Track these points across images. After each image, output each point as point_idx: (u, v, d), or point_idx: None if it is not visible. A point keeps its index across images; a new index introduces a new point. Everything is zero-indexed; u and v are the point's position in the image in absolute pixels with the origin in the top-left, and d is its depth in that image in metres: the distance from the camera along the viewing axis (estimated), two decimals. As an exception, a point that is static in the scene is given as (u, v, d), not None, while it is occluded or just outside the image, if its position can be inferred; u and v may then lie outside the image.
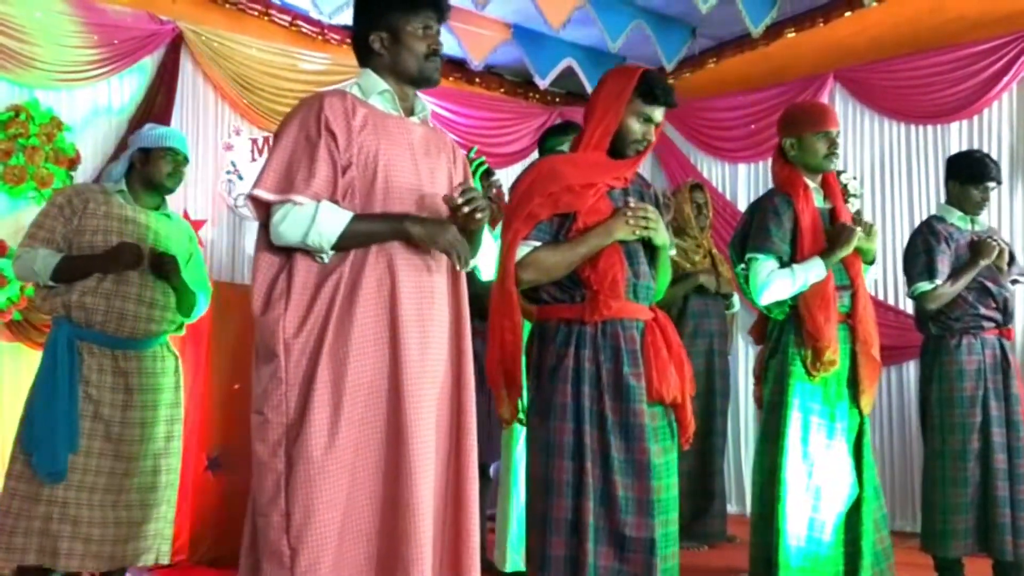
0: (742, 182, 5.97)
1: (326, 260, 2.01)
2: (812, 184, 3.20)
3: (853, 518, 3.09)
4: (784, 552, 2.98)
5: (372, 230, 2.02)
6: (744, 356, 5.78)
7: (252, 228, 4.90)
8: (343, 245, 1.99)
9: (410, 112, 2.22)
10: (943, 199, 3.89)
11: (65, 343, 2.97)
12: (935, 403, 3.67)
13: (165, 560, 3.21)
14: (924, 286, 3.64)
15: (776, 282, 3.08)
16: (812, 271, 3.06)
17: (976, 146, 4.82)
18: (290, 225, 1.96)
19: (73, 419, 2.92)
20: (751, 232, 3.21)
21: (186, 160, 3.28)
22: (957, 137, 5.03)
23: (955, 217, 3.76)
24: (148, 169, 3.17)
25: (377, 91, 2.15)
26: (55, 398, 2.93)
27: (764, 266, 3.12)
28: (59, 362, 2.95)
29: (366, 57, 2.20)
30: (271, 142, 2.09)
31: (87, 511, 2.95)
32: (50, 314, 3.08)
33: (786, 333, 3.13)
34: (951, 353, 3.64)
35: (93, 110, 4.44)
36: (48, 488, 2.90)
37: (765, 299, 3.13)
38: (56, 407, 2.92)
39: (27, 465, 2.92)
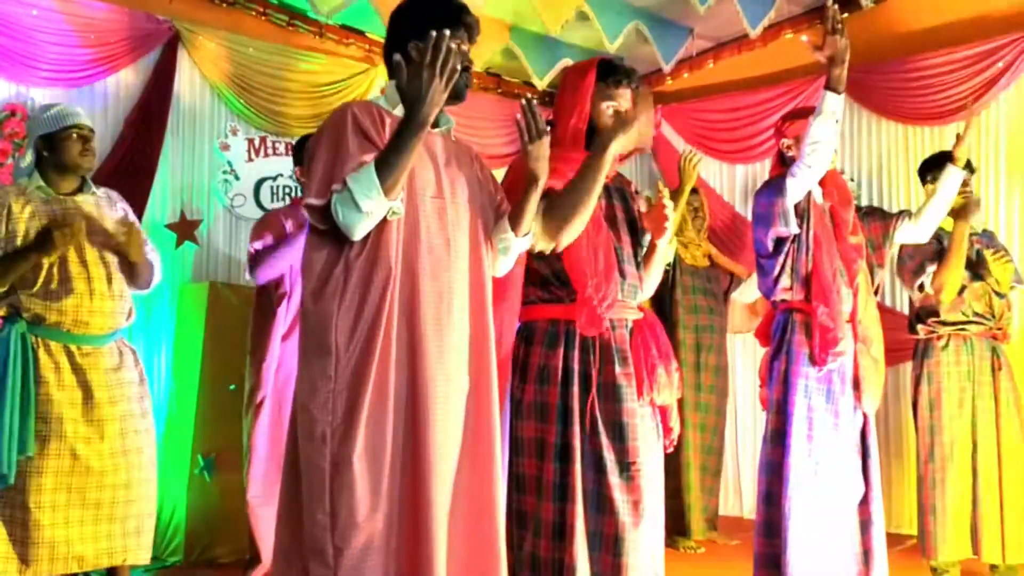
0: (739, 183, 5.97)
1: (400, 213, 2.01)
2: None
3: (864, 517, 3.09)
4: (791, 552, 2.97)
5: (398, 151, 1.96)
6: (742, 358, 5.77)
7: (248, 229, 4.88)
8: (391, 187, 1.95)
9: (435, 124, 2.22)
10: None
11: (19, 339, 2.88)
12: (924, 404, 3.69)
13: (146, 559, 3.11)
14: (924, 279, 3.69)
15: (798, 173, 2.98)
16: (819, 104, 2.92)
17: (974, 148, 4.81)
18: (343, 211, 1.96)
19: (27, 421, 2.83)
20: (767, 210, 3.13)
21: (92, 132, 3.13)
22: (954, 139, 5.01)
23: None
24: (57, 155, 3.03)
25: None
26: (4, 398, 2.82)
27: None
28: (12, 358, 2.85)
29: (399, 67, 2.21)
30: (307, 158, 2.11)
31: (52, 513, 2.85)
32: (2, 314, 2.98)
33: (790, 332, 3.11)
34: (939, 355, 3.66)
35: (89, 110, 4.39)
36: (11, 492, 2.82)
37: (812, 160, 2.99)
38: (5, 407, 2.82)
39: None
